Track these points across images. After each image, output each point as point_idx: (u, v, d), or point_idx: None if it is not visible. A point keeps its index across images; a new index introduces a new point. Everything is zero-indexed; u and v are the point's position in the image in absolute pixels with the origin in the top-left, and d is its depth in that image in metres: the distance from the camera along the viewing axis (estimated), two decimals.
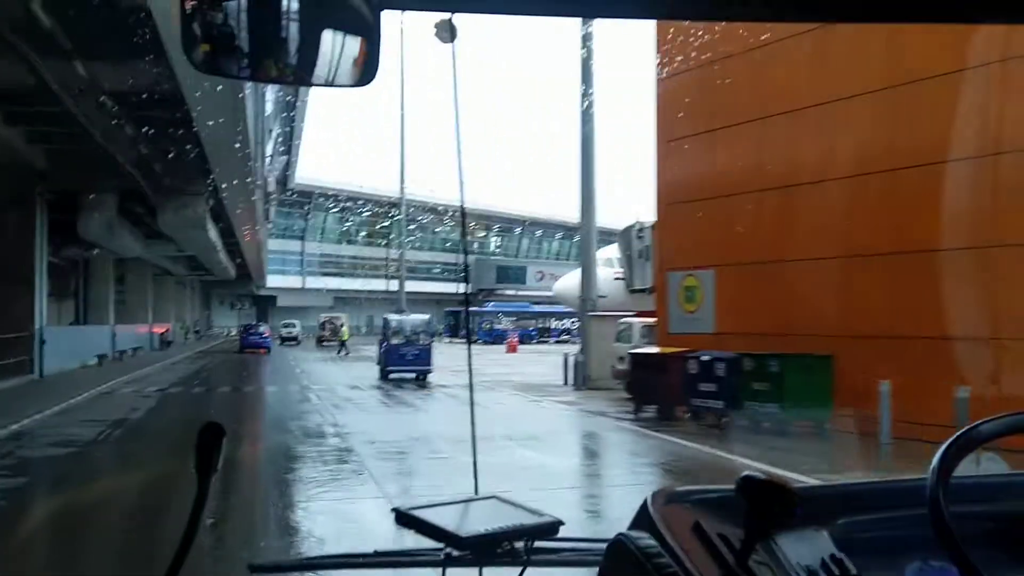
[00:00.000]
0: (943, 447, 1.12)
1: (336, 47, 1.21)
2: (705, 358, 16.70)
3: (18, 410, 17.81)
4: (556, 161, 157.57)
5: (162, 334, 48.30)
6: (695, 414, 17.09)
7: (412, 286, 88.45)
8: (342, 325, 53.68)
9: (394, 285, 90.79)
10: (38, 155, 24.40)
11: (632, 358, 19.63)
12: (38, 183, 25.57)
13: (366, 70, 1.23)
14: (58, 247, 32.34)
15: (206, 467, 1.19)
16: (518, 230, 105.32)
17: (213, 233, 32.35)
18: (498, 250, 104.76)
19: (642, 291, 41.41)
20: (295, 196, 78.37)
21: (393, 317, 28.54)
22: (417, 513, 1.44)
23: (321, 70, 1.23)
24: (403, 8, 1.22)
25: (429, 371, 27.33)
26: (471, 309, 70.41)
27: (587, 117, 27.00)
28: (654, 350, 19.25)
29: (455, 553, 1.43)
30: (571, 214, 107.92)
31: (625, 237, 42.52)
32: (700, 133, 19.15)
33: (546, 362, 40.99)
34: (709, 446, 14.04)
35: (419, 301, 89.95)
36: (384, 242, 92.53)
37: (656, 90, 21.22)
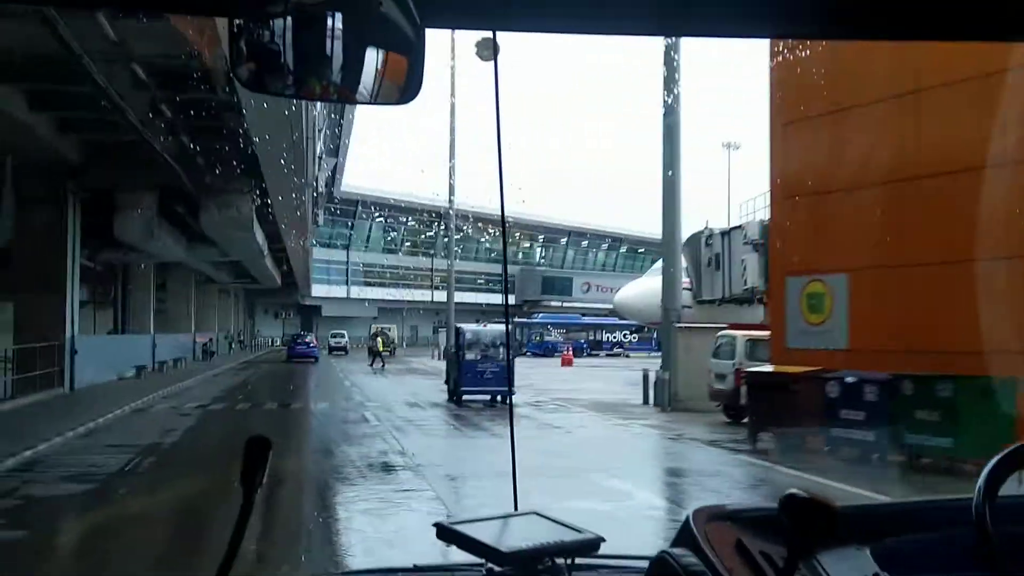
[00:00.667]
0: (989, 465, 1.09)
1: (379, 65, 1.24)
2: (850, 380, 13.69)
3: (38, 431, 15.22)
4: (603, 170, 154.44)
5: (205, 344, 46.00)
6: (834, 447, 14.05)
7: (455, 296, 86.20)
8: (376, 335, 51.99)
9: (439, 296, 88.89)
10: (70, 147, 21.98)
11: (747, 378, 16.63)
12: (70, 179, 23.17)
13: (409, 87, 1.27)
14: (94, 251, 30.03)
15: (251, 481, 1.17)
16: (563, 240, 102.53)
17: (260, 236, 29.80)
18: (543, 261, 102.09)
19: (710, 302, 38.41)
20: (340, 205, 76.28)
21: (468, 327, 24.05)
22: (459, 528, 1.38)
23: (365, 88, 1.26)
24: (446, 27, 1.28)
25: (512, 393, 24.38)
26: (519, 320, 67.46)
27: (671, 118, 24.07)
28: (774, 369, 16.19)
29: (496, 569, 1.37)
30: (618, 224, 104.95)
31: (692, 245, 39.47)
32: (831, 112, 16.09)
33: (607, 377, 38.06)
34: (883, 491, 10.98)
35: (462, 311, 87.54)
36: (429, 252, 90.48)
37: (770, 64, 18.17)
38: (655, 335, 68.45)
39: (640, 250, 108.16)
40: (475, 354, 22.16)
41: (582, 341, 62.63)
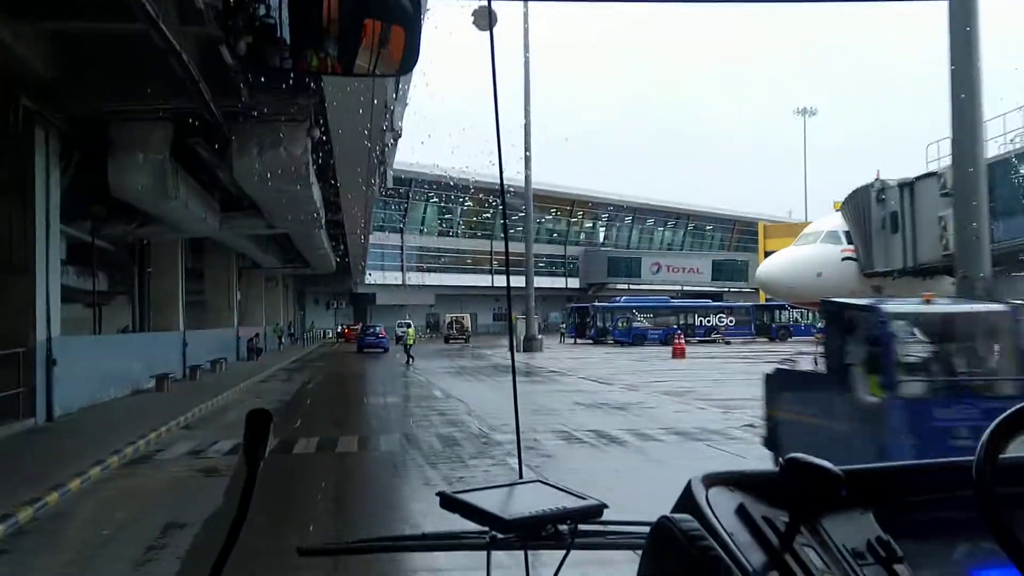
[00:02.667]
0: (992, 426, 1.05)
1: (377, 36, 1.20)
2: None
3: None
4: (663, 142, 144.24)
5: (250, 340, 37.71)
6: None
7: (513, 281, 77.69)
8: (409, 326, 50.38)
9: (500, 280, 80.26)
10: (33, 48, 13.64)
11: None
12: (36, 101, 14.86)
13: (407, 58, 1.24)
14: (97, 222, 21.78)
15: (255, 453, 1.15)
16: (628, 219, 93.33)
17: (316, 194, 21.13)
18: (606, 241, 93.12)
19: (883, 275, 29.35)
20: (390, 189, 67.91)
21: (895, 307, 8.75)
22: (462, 497, 1.34)
23: (363, 59, 1.22)
24: None
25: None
26: (599, 305, 58.60)
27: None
28: None
29: (500, 536, 1.36)
30: (684, 199, 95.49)
31: (856, 204, 30.25)
32: None
33: (745, 371, 29.24)
34: None
35: (517, 297, 79.21)
36: (488, 234, 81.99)
37: None
38: (753, 318, 59.37)
39: (708, 227, 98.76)
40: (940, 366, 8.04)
41: (674, 327, 53.60)
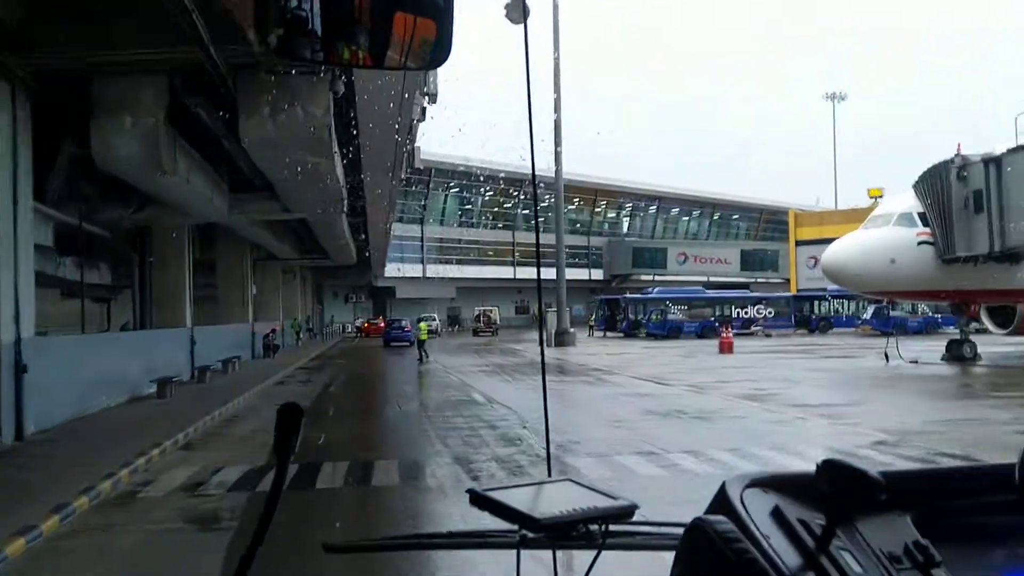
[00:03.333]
0: None
1: (408, 29, 1.20)
2: None
3: None
4: (689, 130, 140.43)
5: (266, 337, 34.82)
6: None
7: (529, 272, 74.53)
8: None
9: (522, 272, 77.29)
10: None
11: None
12: (2, 53, 11.94)
13: (438, 51, 1.22)
14: (89, 204, 18.95)
15: (285, 448, 1.15)
16: (652, 208, 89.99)
17: (340, 169, 18.00)
18: (630, 231, 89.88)
19: (968, 260, 26.13)
20: (412, 173, 64.91)
21: None
22: (492, 495, 1.29)
23: (394, 52, 1.22)
24: None
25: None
26: (631, 296, 55.44)
27: None
28: None
29: (530, 535, 1.32)
30: (710, 188, 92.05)
31: (933, 182, 26.96)
32: None
33: (812, 368, 26.18)
34: None
35: (548, 290, 76.00)
36: (510, 225, 78.96)
37: None
38: (793, 309, 56.07)
39: (734, 216, 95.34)
40: None
41: (711, 319, 50.44)
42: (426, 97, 16.99)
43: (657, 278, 79.02)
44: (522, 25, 1.62)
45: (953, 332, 48.56)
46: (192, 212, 20.20)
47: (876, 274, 26.57)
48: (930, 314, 48.37)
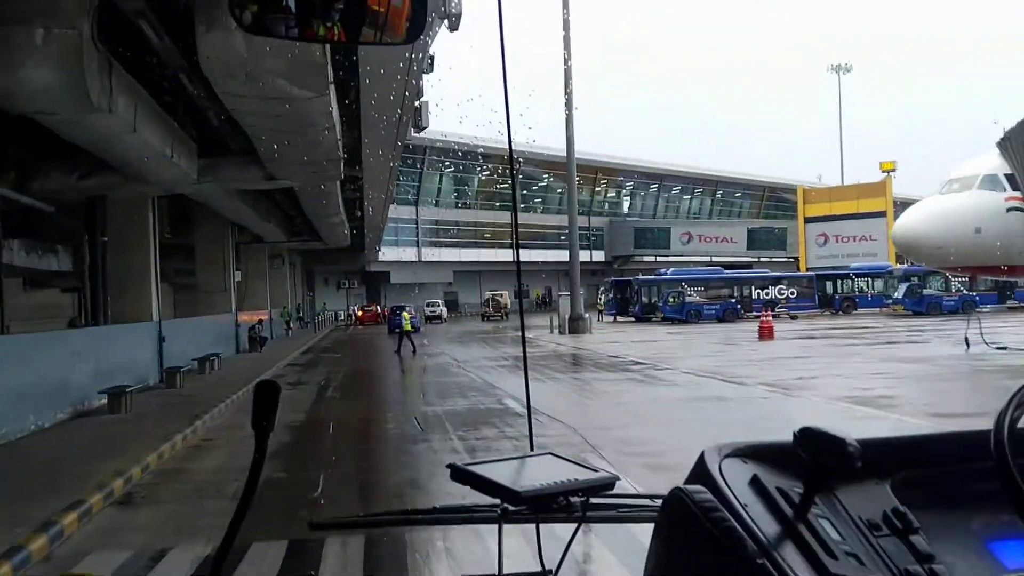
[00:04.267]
0: (1010, 396, 1.03)
1: (383, 4, 1.18)
2: None
3: None
4: (689, 106, 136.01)
5: (252, 329, 30.58)
6: None
7: (533, 255, 70.50)
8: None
9: (523, 255, 73.03)
10: None
11: None
12: None
13: (412, 26, 1.21)
14: (23, 170, 14.80)
15: (263, 424, 1.11)
16: (654, 187, 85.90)
17: (335, 110, 13.53)
18: (631, 211, 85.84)
19: None
20: (405, 152, 60.42)
21: None
22: (473, 469, 1.29)
23: (369, 28, 1.20)
24: None
25: None
26: (643, 278, 51.35)
27: None
28: None
29: (511, 508, 1.32)
30: (710, 164, 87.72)
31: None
32: None
33: (883, 357, 22.27)
34: None
35: (529, 274, 72.11)
36: (507, 205, 74.76)
37: None
38: (816, 289, 52.01)
39: (737, 194, 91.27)
40: None
41: (732, 300, 46.55)
42: (445, 22, 12.71)
43: (660, 259, 75.34)
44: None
45: (990, 311, 45.05)
46: (151, 179, 15.96)
47: (960, 246, 22.59)
48: (965, 292, 44.54)
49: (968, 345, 22.31)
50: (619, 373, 20.18)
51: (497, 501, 1.30)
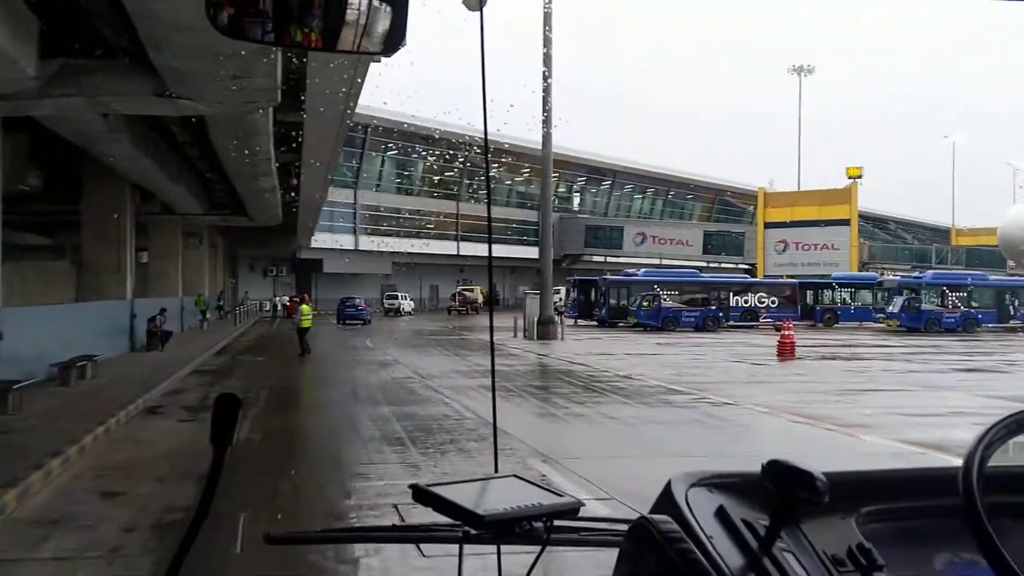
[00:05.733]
0: (979, 434, 1.00)
1: (362, 14, 1.15)
2: None
3: None
4: (642, 104, 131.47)
5: (151, 321, 23.60)
6: None
7: (473, 248, 64.51)
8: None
9: (465, 248, 66.86)
10: None
11: None
12: None
13: (392, 38, 1.18)
14: None
15: (222, 439, 1.09)
16: (606, 184, 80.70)
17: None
18: (580, 207, 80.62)
19: None
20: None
21: None
22: (435, 490, 1.25)
23: (347, 36, 1.17)
24: None
25: None
26: (610, 278, 45.59)
27: None
28: None
29: (473, 532, 1.27)
30: (666, 164, 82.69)
31: None
32: None
33: (970, 384, 16.94)
34: None
35: (478, 268, 66.25)
36: (454, 194, 68.62)
37: None
38: (798, 298, 46.85)
39: (688, 196, 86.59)
40: None
41: (711, 308, 41.26)
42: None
43: (611, 259, 70.41)
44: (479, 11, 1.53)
45: (994, 328, 40.79)
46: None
47: None
48: (965, 309, 40.11)
49: None
50: (661, 409, 14.22)
51: (459, 523, 1.22)
